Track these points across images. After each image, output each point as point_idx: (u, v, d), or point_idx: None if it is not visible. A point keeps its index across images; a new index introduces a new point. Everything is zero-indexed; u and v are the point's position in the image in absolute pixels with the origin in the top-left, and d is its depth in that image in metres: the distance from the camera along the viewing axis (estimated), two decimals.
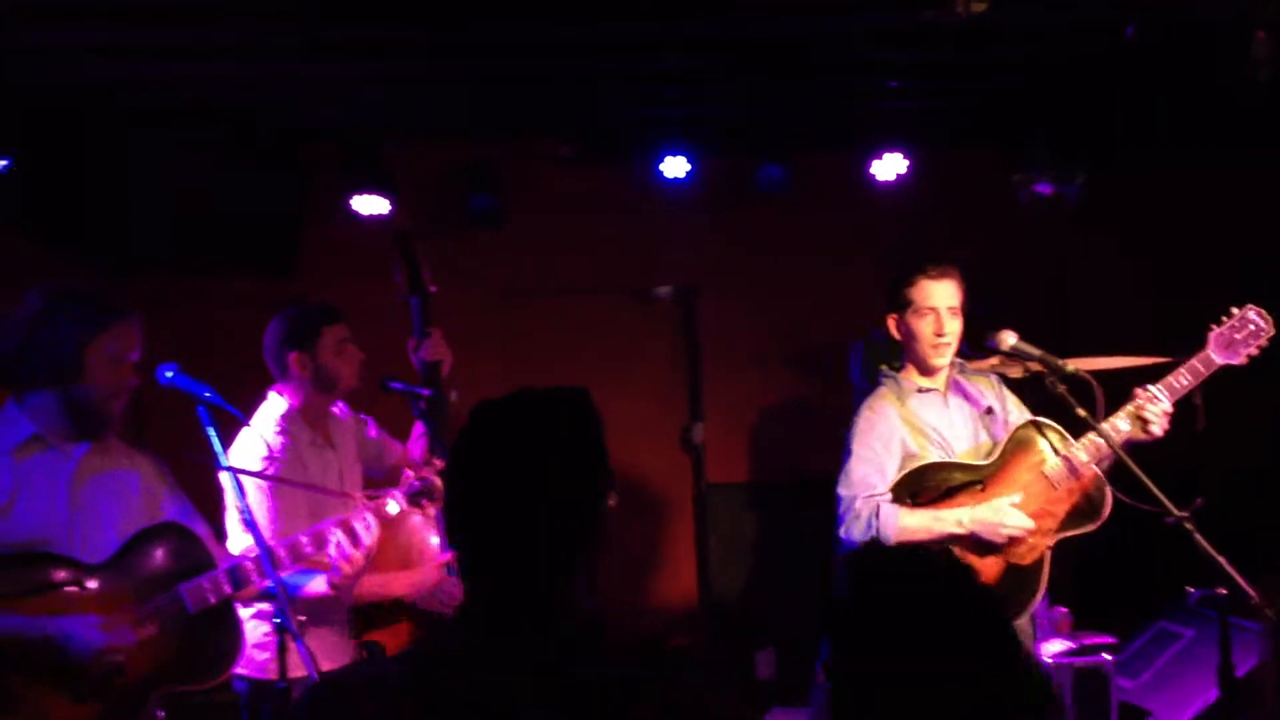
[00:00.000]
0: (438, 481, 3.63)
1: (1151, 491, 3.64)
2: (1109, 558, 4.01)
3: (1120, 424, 3.90)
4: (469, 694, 1.68)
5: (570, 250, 6.82)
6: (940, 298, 4.03)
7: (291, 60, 5.25)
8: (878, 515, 3.87)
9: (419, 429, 4.19)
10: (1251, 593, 3.41)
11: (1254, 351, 4.02)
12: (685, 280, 7.00)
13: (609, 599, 6.71)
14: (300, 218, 6.37)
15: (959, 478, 4.01)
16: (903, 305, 4.07)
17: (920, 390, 4.12)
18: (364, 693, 1.73)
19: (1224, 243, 6.64)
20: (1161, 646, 5.41)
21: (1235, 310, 4.06)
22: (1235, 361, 3.99)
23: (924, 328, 4.06)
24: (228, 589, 3.33)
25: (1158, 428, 3.92)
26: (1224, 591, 3.51)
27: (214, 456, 3.29)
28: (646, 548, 7.04)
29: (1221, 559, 3.44)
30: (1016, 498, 3.93)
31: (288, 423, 3.96)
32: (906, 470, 4.00)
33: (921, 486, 3.98)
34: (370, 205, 6.16)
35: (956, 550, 3.88)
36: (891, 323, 4.13)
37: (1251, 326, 4.01)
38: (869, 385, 4.29)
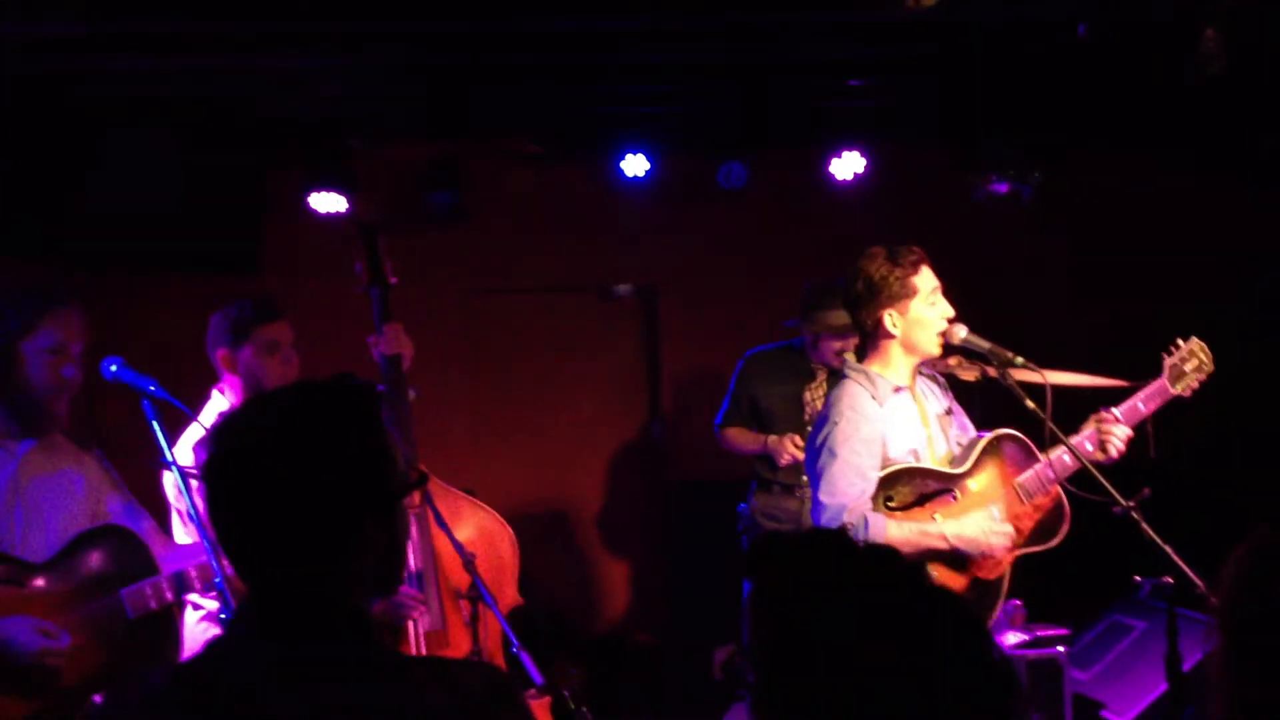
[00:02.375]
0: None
1: (1099, 481, 3.67)
2: (1063, 550, 4.02)
3: (1087, 444, 3.90)
4: (228, 698, 1.65)
5: (532, 247, 6.83)
6: (935, 280, 3.94)
7: (253, 55, 5.23)
8: (866, 525, 3.73)
9: None
10: (1198, 581, 3.44)
11: (1196, 385, 4.02)
12: (646, 278, 7.03)
13: (571, 596, 6.77)
14: (263, 214, 6.35)
15: (933, 484, 3.92)
16: (904, 295, 3.87)
17: (895, 389, 3.97)
18: (140, 704, 1.70)
19: (1179, 241, 6.72)
20: (1114, 638, 5.46)
21: (1181, 342, 4.06)
22: (1184, 394, 4.01)
23: (935, 314, 3.89)
24: (169, 595, 3.26)
25: (1116, 450, 3.91)
26: (1171, 581, 3.54)
27: (159, 451, 3.23)
28: (608, 545, 7.06)
29: (1168, 548, 3.47)
30: (994, 509, 3.88)
31: None
32: (883, 474, 3.87)
33: (896, 491, 3.88)
34: (332, 202, 6.14)
35: (929, 563, 3.84)
36: (888, 318, 3.88)
37: (1195, 360, 4.04)
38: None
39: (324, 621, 1.69)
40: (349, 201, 6.10)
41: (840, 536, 1.76)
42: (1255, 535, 1.71)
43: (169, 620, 3.35)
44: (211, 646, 1.76)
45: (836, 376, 5.37)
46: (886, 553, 1.74)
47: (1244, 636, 1.70)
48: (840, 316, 5.17)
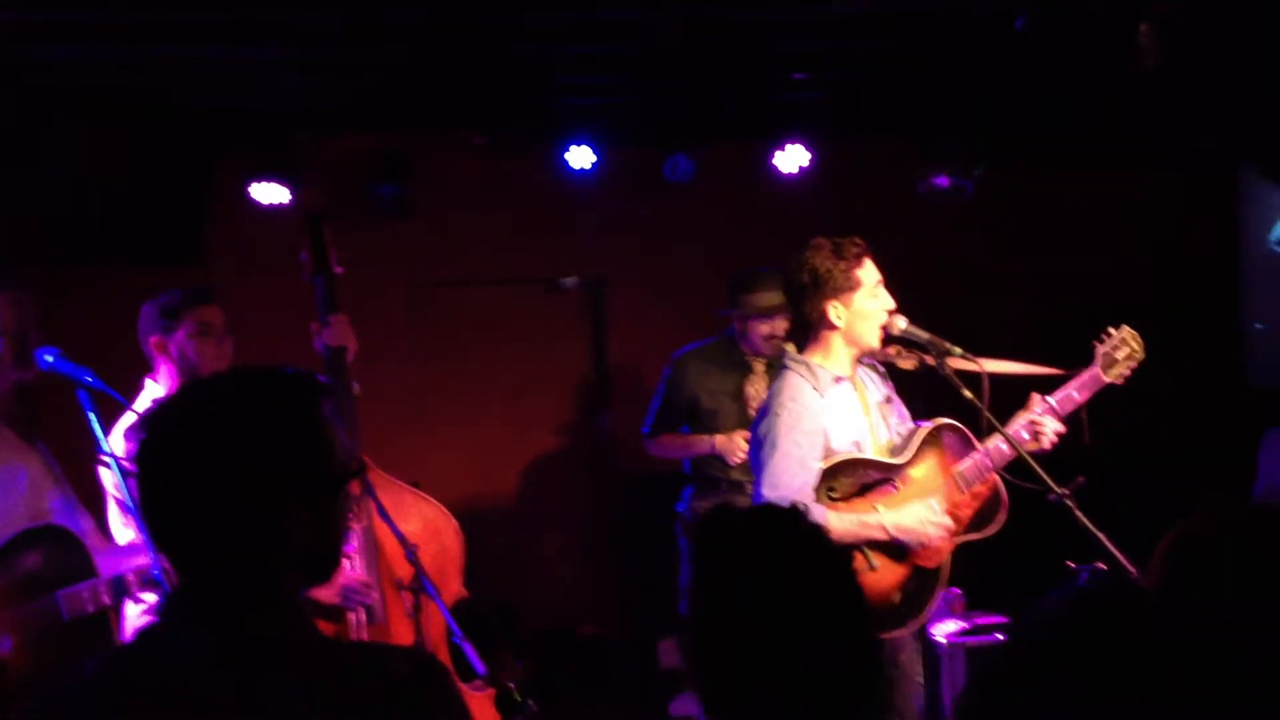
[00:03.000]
0: None
1: (1034, 470, 3.72)
2: (1001, 538, 4.08)
3: (1024, 433, 3.95)
4: (160, 686, 1.64)
5: (479, 239, 6.83)
6: (878, 273, 3.98)
7: (197, 43, 5.19)
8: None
9: None
10: (1131, 568, 3.49)
11: (1127, 373, 4.08)
12: (593, 270, 7.03)
13: (519, 589, 6.74)
14: (207, 205, 6.31)
15: (874, 475, 3.96)
16: (847, 288, 3.90)
17: (836, 379, 3.99)
18: (71, 693, 1.69)
19: (1117, 232, 6.83)
20: None
21: (1114, 330, 4.11)
22: (1116, 382, 4.07)
23: (877, 306, 3.94)
24: (106, 600, 3.24)
25: (1049, 442, 3.97)
26: (1104, 567, 3.59)
27: (95, 443, 3.20)
28: (556, 538, 7.07)
29: (1101, 535, 3.53)
30: (933, 499, 3.93)
31: None
32: (825, 465, 3.91)
33: (838, 482, 3.92)
34: (277, 193, 6.11)
35: (870, 552, 3.89)
36: (832, 310, 3.92)
37: (1127, 349, 4.09)
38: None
39: (255, 608, 1.69)
40: (294, 192, 6.06)
41: (788, 513, 1.84)
42: (1180, 527, 1.75)
43: (104, 622, 3.31)
44: (143, 635, 1.75)
45: (776, 368, 5.42)
46: (819, 533, 1.83)
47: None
48: (767, 298, 5.20)
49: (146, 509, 1.72)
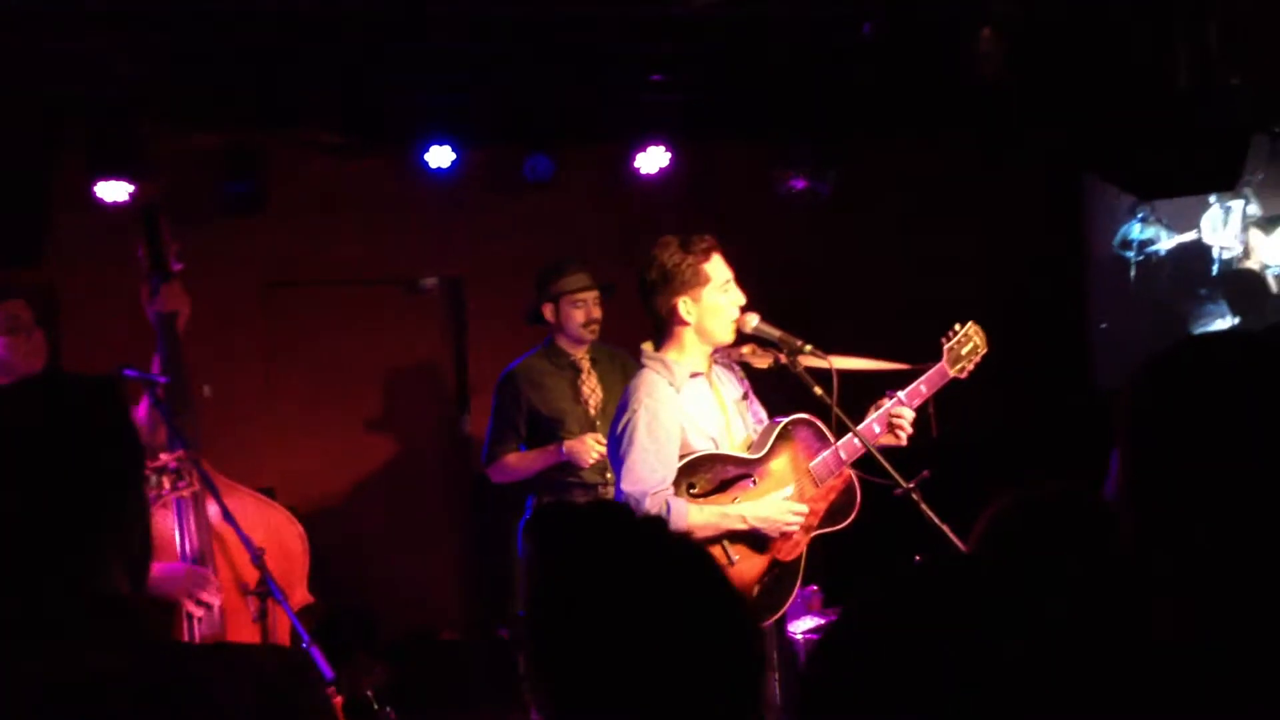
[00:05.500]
0: (172, 468, 3.49)
1: (881, 464, 3.79)
2: (856, 534, 4.14)
3: (875, 428, 4.01)
4: None
5: (335, 239, 6.70)
6: (727, 268, 4.00)
7: (35, 31, 5.00)
8: (669, 511, 3.76)
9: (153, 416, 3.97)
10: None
11: (971, 367, 4.17)
12: (452, 270, 6.96)
13: (377, 594, 6.62)
14: (46, 202, 6.09)
15: (732, 470, 3.99)
16: (696, 283, 3.91)
17: (692, 375, 4.00)
18: None
19: (963, 231, 7.01)
20: None
21: (959, 326, 4.20)
22: (960, 376, 4.16)
23: (728, 301, 3.95)
24: None
25: (904, 434, 4.04)
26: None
27: None
28: (415, 541, 6.97)
29: (945, 527, 3.59)
30: (789, 491, 3.97)
31: None
32: (683, 461, 3.92)
33: (698, 478, 3.94)
34: (120, 190, 5.92)
35: (730, 545, 3.93)
36: (682, 305, 3.92)
37: (971, 344, 4.18)
38: None
39: (84, 617, 1.61)
40: (138, 185, 5.87)
41: (619, 508, 1.83)
42: (992, 507, 1.80)
43: None
44: None
45: (602, 361, 5.38)
46: (658, 525, 1.81)
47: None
48: (575, 280, 5.22)
49: None
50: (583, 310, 5.25)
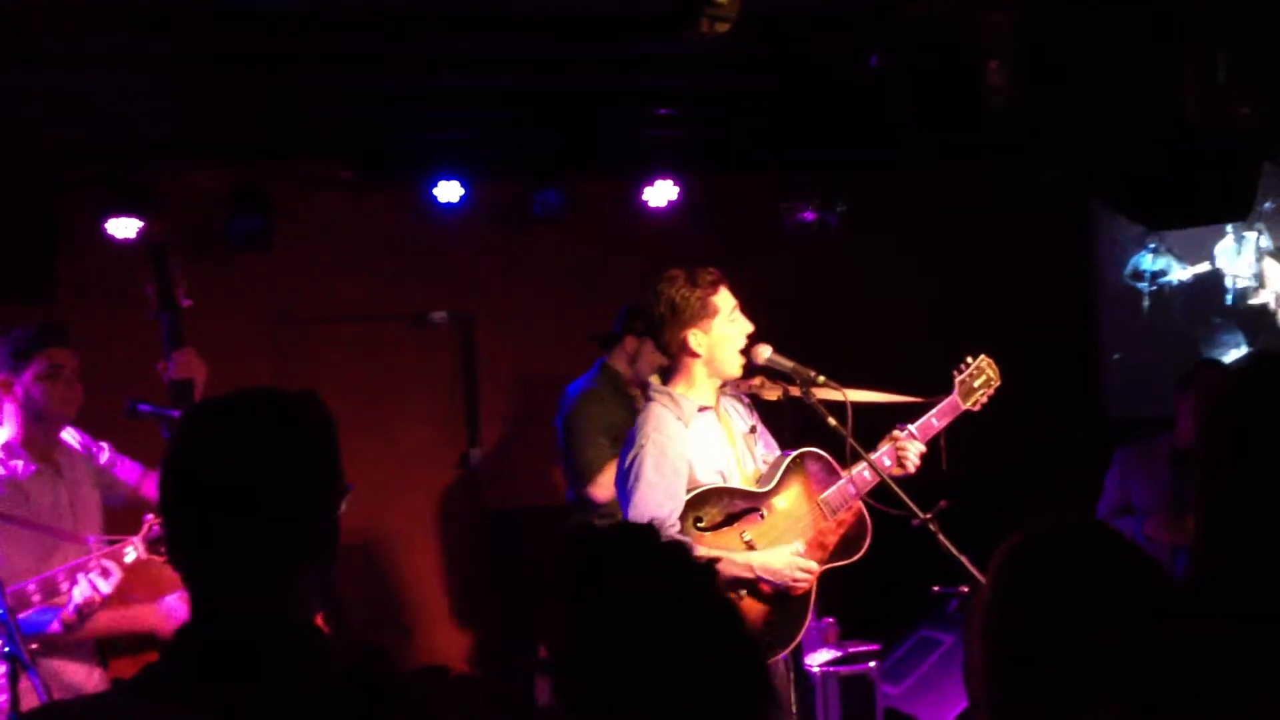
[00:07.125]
0: None
1: (898, 496, 3.76)
2: (872, 566, 4.10)
3: (885, 460, 3.99)
4: (187, 716, 1.58)
5: (345, 275, 6.71)
6: (733, 299, 3.99)
7: (46, 73, 5.02)
8: None
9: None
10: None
11: (984, 400, 4.18)
12: (462, 305, 6.96)
13: (390, 628, 6.56)
14: (56, 240, 6.10)
15: (740, 504, 3.96)
16: (705, 315, 3.91)
17: (700, 409, 3.99)
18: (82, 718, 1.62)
19: (981, 266, 6.99)
20: (923, 653, 5.61)
21: (971, 359, 4.21)
22: (973, 409, 4.15)
23: (737, 330, 3.95)
24: None
25: (913, 466, 4.03)
26: (968, 590, 3.64)
27: None
28: (427, 576, 6.95)
29: (964, 558, 3.57)
30: (799, 545, 3.94)
31: (7, 454, 3.73)
32: (690, 495, 3.90)
33: (705, 511, 3.92)
34: (128, 227, 5.94)
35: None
36: (692, 338, 3.91)
37: (984, 376, 4.19)
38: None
39: (283, 635, 1.65)
40: (147, 223, 5.89)
41: (644, 530, 1.84)
42: (1007, 542, 1.81)
43: None
44: (156, 667, 1.64)
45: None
46: (682, 552, 1.82)
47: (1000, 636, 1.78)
48: None
49: (177, 535, 1.69)
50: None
